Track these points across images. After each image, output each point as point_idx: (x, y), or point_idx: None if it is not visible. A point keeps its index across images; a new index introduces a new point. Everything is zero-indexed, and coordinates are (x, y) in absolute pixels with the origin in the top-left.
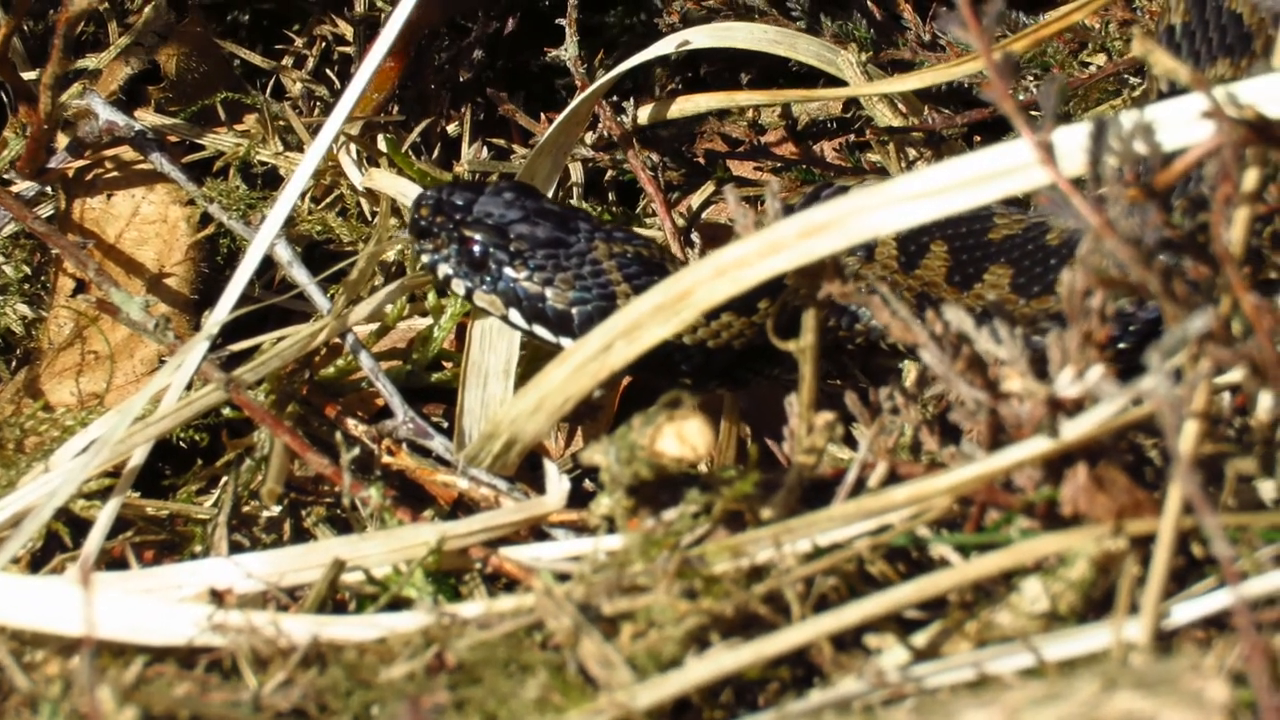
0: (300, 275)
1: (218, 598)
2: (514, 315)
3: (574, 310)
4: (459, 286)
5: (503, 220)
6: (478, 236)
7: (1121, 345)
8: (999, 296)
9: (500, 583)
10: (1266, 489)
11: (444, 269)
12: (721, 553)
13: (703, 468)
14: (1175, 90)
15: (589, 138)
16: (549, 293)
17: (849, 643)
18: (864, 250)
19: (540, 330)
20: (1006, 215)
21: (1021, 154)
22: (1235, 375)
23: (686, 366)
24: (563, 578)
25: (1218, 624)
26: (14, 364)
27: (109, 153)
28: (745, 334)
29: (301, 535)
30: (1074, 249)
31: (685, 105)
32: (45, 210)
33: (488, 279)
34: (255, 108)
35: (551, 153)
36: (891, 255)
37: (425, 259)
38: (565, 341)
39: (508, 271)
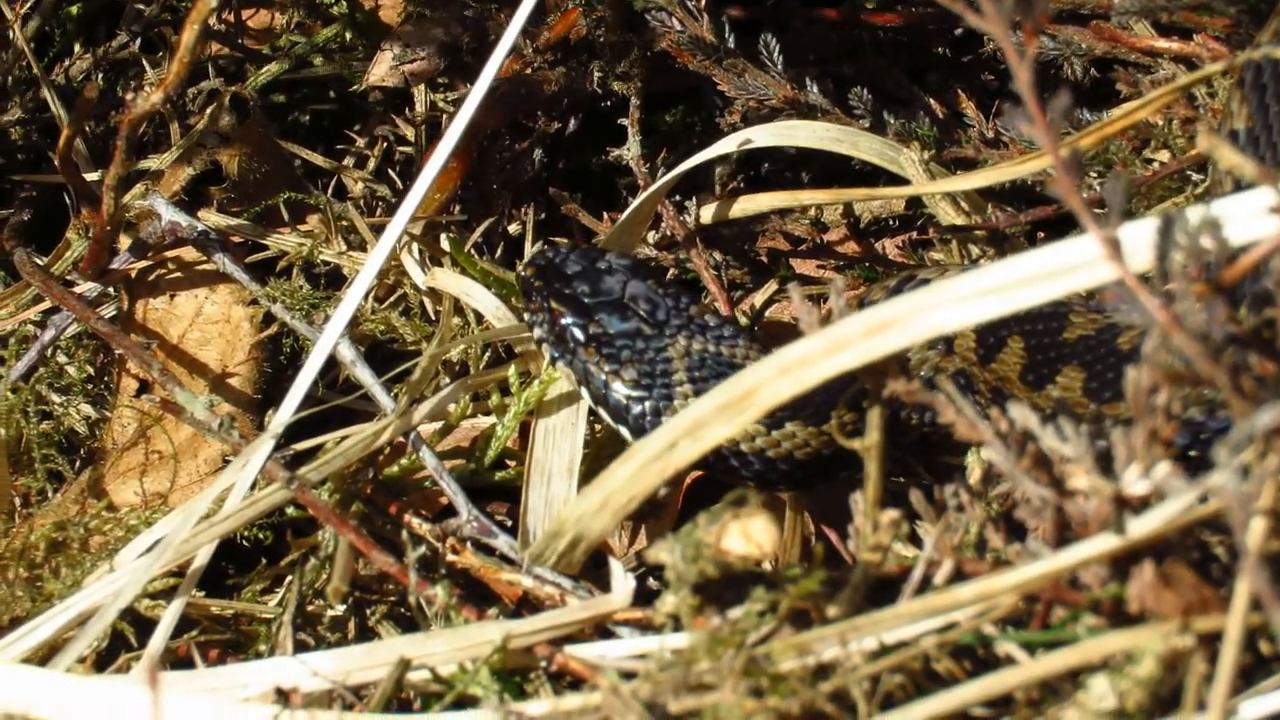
0: (364, 375)
1: (283, 697)
2: (584, 392)
3: (632, 405)
4: (547, 351)
5: (596, 301)
6: (565, 313)
7: (1192, 453)
8: (1070, 399)
9: (565, 681)
10: None
11: (538, 331)
12: (788, 650)
13: (768, 565)
14: (1240, 187)
15: (651, 236)
16: (615, 383)
17: None
18: (944, 343)
19: (604, 414)
20: (1083, 313)
21: (1088, 250)
22: None
23: (747, 473)
24: (628, 676)
25: None
26: (78, 464)
27: (171, 253)
28: (810, 443)
29: (366, 634)
30: None
31: (747, 204)
32: (108, 311)
33: (567, 354)
34: (318, 208)
35: None
36: (970, 347)
37: (526, 316)
38: (624, 430)
39: (581, 353)
